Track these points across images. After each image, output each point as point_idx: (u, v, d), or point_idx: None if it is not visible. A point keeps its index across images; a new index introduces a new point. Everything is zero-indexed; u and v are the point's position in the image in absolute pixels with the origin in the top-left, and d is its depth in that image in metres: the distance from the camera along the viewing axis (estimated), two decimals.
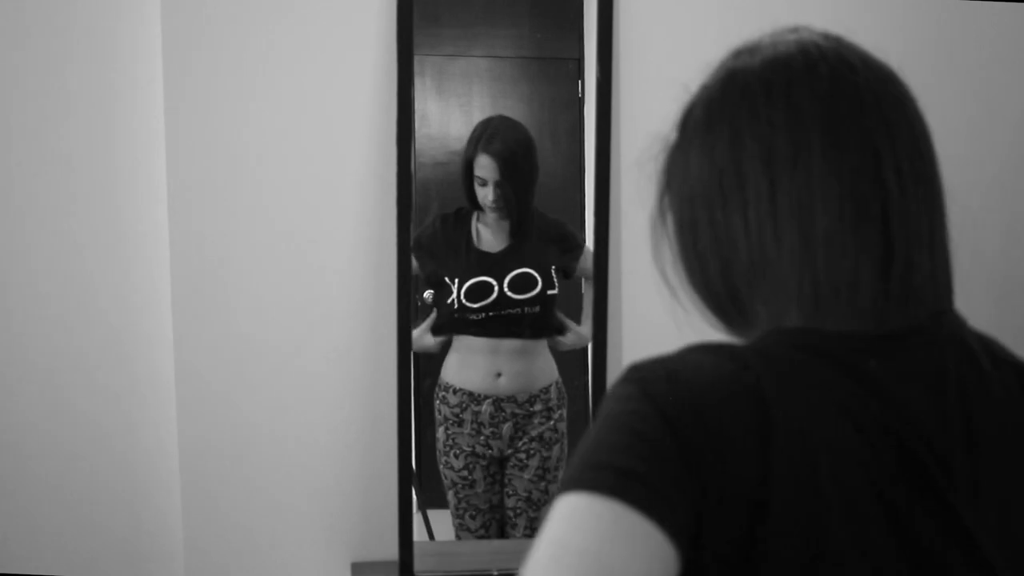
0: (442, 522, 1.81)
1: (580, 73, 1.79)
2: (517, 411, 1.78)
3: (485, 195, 1.75)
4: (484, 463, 1.79)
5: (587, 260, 1.77)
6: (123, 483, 1.69)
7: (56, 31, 1.60)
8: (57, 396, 1.65)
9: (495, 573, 1.71)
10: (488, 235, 1.78)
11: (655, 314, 1.78)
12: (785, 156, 0.69)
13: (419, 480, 1.77)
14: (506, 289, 1.75)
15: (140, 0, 1.62)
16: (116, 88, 1.64)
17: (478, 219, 1.78)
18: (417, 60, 1.69)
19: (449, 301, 1.76)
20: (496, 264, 1.77)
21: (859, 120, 0.69)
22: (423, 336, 1.77)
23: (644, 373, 0.68)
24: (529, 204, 1.77)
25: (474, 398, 1.78)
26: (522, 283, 1.76)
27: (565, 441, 1.81)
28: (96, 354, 1.66)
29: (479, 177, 1.74)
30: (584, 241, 1.78)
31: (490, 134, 1.74)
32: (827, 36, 0.74)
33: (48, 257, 1.63)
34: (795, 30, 0.75)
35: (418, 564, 1.70)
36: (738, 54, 0.76)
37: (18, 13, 1.59)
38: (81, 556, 1.67)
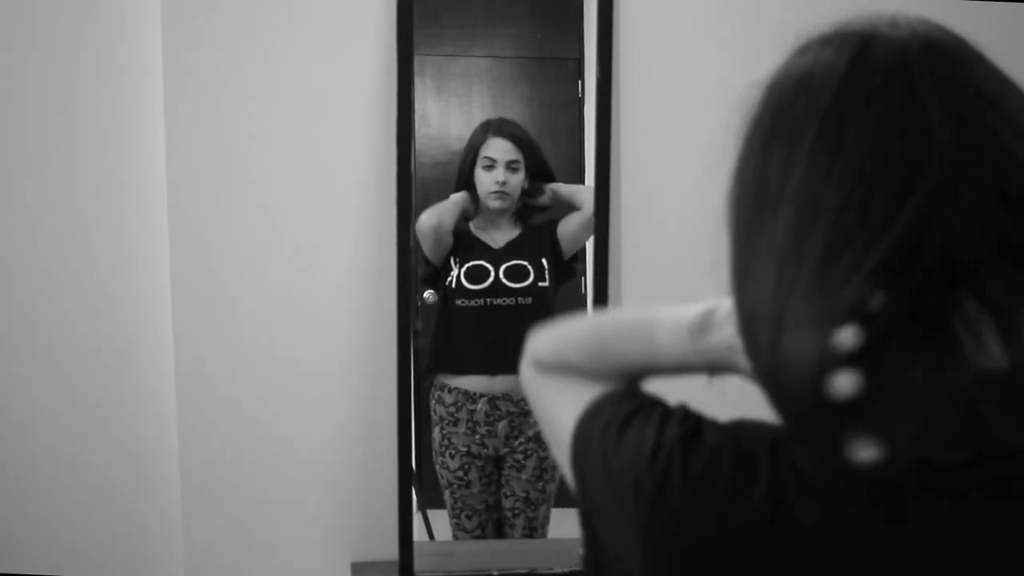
0: (442, 522, 1.81)
1: (580, 73, 1.79)
2: (512, 409, 1.78)
3: (494, 178, 1.75)
4: (480, 463, 1.79)
5: (568, 223, 1.78)
6: (123, 483, 1.69)
7: (56, 31, 1.60)
8: (57, 396, 1.65)
9: (495, 573, 1.71)
10: (486, 235, 1.79)
11: None
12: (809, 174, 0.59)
13: (419, 480, 1.77)
14: (502, 276, 1.76)
15: (140, 0, 1.62)
16: (116, 88, 1.64)
17: (474, 225, 1.79)
18: (417, 60, 1.69)
19: (449, 280, 1.77)
20: (494, 255, 1.78)
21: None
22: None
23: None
24: (534, 193, 1.78)
25: (469, 396, 1.78)
26: (516, 273, 1.77)
27: None
28: (96, 354, 1.66)
29: (487, 158, 1.74)
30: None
31: (499, 123, 1.76)
32: (932, 48, 0.63)
33: (48, 257, 1.63)
34: (922, 24, 0.64)
35: (418, 564, 1.70)
36: (828, 42, 0.64)
37: (19, 13, 1.59)
38: (81, 556, 1.67)
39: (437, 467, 1.80)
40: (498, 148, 1.75)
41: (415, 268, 1.72)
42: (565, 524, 1.79)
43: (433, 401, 1.79)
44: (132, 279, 1.67)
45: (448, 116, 1.78)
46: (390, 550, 1.72)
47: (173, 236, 1.65)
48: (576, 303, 1.81)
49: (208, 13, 1.62)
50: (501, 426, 1.78)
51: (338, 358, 1.71)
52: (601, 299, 1.75)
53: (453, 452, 1.79)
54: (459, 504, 1.79)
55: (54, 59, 1.60)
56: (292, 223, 1.67)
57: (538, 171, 1.77)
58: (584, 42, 1.76)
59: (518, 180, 1.76)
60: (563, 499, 1.81)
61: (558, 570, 1.72)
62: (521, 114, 1.79)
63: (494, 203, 1.76)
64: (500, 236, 1.79)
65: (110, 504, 1.68)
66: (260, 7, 1.63)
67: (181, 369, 1.67)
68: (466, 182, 1.77)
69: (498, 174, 1.75)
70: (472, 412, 1.78)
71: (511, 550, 1.77)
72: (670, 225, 1.77)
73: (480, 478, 1.79)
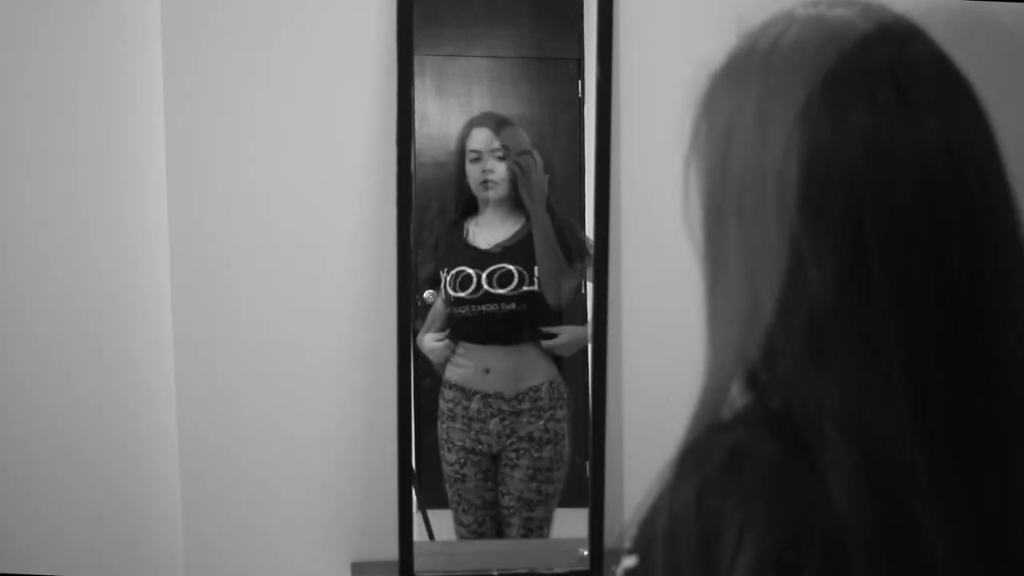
0: (442, 522, 1.81)
1: (580, 73, 1.79)
2: (504, 408, 1.78)
3: (480, 168, 1.75)
4: (476, 458, 1.80)
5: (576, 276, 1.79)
6: (123, 483, 1.69)
7: (56, 31, 1.60)
8: (57, 396, 1.65)
9: (495, 573, 1.71)
10: (483, 233, 1.79)
11: (655, 314, 1.78)
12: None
13: (419, 480, 1.77)
14: (484, 283, 1.76)
15: (140, 0, 1.62)
16: (116, 87, 1.64)
17: (475, 223, 1.79)
18: (417, 60, 1.69)
19: (442, 292, 1.78)
20: (481, 258, 1.78)
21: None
22: (426, 340, 1.79)
23: None
24: (530, 180, 1.78)
25: (465, 393, 1.79)
26: (503, 279, 1.77)
27: (564, 442, 1.80)
28: (95, 354, 1.66)
29: (472, 151, 1.75)
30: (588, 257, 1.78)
31: (480, 117, 1.77)
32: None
33: (48, 257, 1.63)
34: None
35: (418, 564, 1.70)
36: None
37: (19, 13, 1.59)
38: (81, 556, 1.67)
39: (442, 461, 1.81)
40: (479, 139, 1.76)
41: (415, 268, 1.73)
42: (566, 524, 1.79)
43: (440, 398, 1.80)
44: (132, 279, 1.67)
45: (448, 116, 1.78)
46: (390, 550, 1.72)
47: (173, 236, 1.65)
48: (576, 302, 1.81)
49: (208, 13, 1.62)
50: (493, 423, 1.79)
51: (338, 358, 1.71)
52: (601, 299, 1.75)
53: (451, 446, 1.79)
54: (456, 497, 1.80)
55: (54, 59, 1.60)
56: (292, 223, 1.67)
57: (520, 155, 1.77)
58: (584, 42, 1.76)
59: (504, 168, 1.76)
60: (564, 499, 1.81)
61: (558, 570, 1.72)
62: (521, 114, 1.79)
63: (483, 194, 1.77)
64: (493, 235, 1.79)
65: (110, 504, 1.68)
66: (260, 7, 1.63)
67: (181, 369, 1.67)
68: (460, 181, 1.78)
69: (484, 164, 1.75)
70: (467, 409, 1.79)
71: (511, 550, 1.77)
72: (670, 225, 1.76)
73: (476, 473, 1.80)
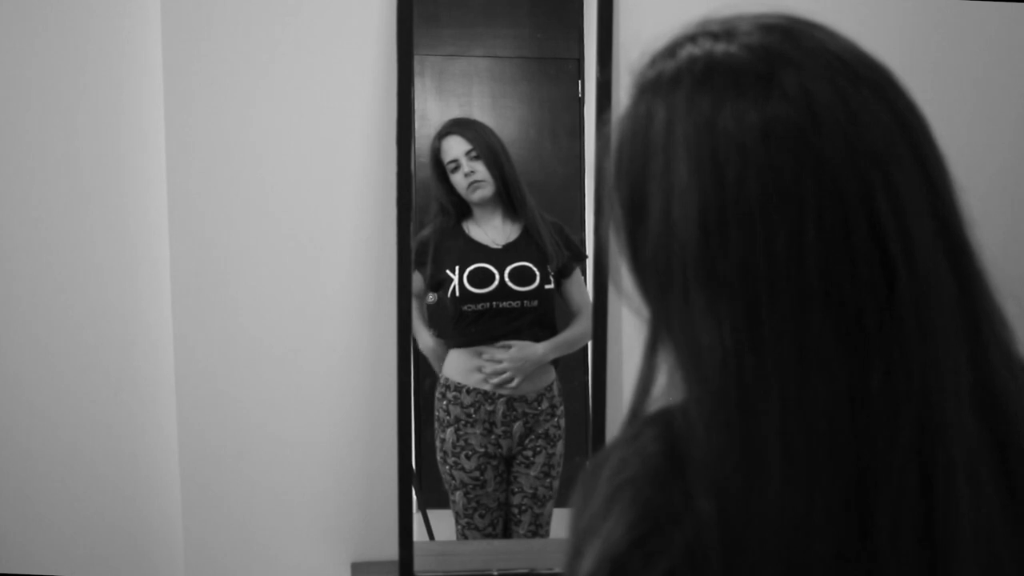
0: (442, 522, 1.81)
1: (580, 73, 1.79)
2: (528, 410, 1.79)
3: (462, 176, 1.75)
4: (495, 462, 1.80)
5: (578, 284, 1.78)
6: (124, 483, 1.69)
7: (57, 31, 1.60)
8: (57, 396, 1.65)
9: (495, 573, 1.71)
10: (484, 234, 1.79)
11: None
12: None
13: (419, 480, 1.77)
14: (507, 280, 1.76)
15: (141, 0, 1.62)
16: (117, 88, 1.64)
17: (473, 223, 1.79)
18: (417, 60, 1.69)
19: (450, 291, 1.77)
20: (496, 256, 1.77)
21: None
22: (424, 337, 1.79)
23: None
24: (512, 177, 1.77)
25: (488, 397, 1.78)
26: (522, 276, 1.77)
27: (563, 437, 1.82)
28: (96, 354, 1.66)
29: (451, 163, 1.75)
30: (584, 255, 1.78)
31: (446, 127, 1.77)
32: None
33: (49, 257, 1.63)
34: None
35: (418, 564, 1.70)
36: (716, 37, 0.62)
37: (19, 13, 1.59)
38: (81, 556, 1.67)
39: (448, 468, 1.79)
40: (452, 148, 1.76)
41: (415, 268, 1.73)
42: (566, 524, 1.79)
43: (445, 402, 1.79)
44: (132, 279, 1.67)
45: (448, 116, 1.78)
46: (390, 550, 1.72)
47: (173, 236, 1.65)
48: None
49: (208, 13, 1.62)
50: (517, 427, 1.79)
51: (338, 358, 1.71)
52: (601, 300, 1.75)
53: (470, 453, 1.79)
54: (473, 503, 1.80)
55: (54, 59, 1.60)
56: (292, 223, 1.68)
57: (490, 157, 1.76)
58: (584, 42, 1.76)
59: (483, 166, 1.76)
60: (565, 499, 1.81)
61: (558, 570, 1.72)
62: (521, 114, 1.79)
63: (475, 195, 1.77)
64: (496, 234, 1.79)
65: (110, 504, 1.68)
66: (260, 7, 1.63)
67: (181, 369, 1.67)
68: (446, 191, 1.78)
69: (464, 168, 1.75)
70: (490, 413, 1.78)
71: (511, 550, 1.77)
72: None
73: (495, 477, 1.80)
